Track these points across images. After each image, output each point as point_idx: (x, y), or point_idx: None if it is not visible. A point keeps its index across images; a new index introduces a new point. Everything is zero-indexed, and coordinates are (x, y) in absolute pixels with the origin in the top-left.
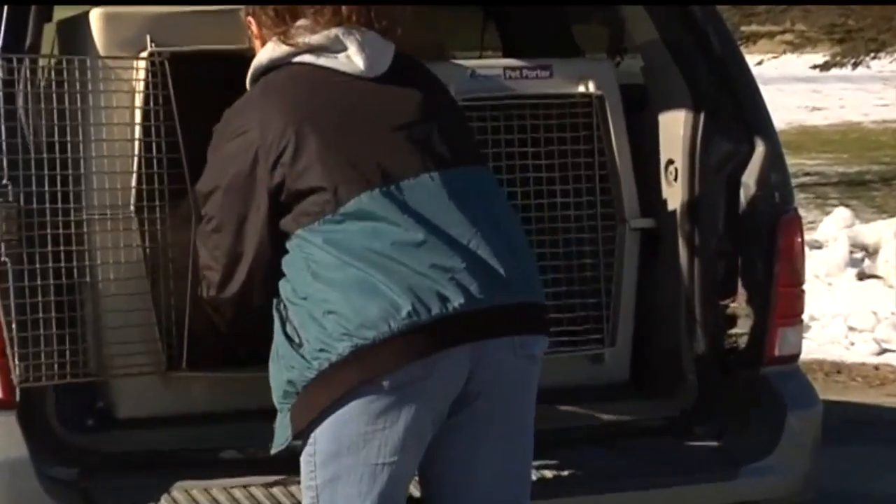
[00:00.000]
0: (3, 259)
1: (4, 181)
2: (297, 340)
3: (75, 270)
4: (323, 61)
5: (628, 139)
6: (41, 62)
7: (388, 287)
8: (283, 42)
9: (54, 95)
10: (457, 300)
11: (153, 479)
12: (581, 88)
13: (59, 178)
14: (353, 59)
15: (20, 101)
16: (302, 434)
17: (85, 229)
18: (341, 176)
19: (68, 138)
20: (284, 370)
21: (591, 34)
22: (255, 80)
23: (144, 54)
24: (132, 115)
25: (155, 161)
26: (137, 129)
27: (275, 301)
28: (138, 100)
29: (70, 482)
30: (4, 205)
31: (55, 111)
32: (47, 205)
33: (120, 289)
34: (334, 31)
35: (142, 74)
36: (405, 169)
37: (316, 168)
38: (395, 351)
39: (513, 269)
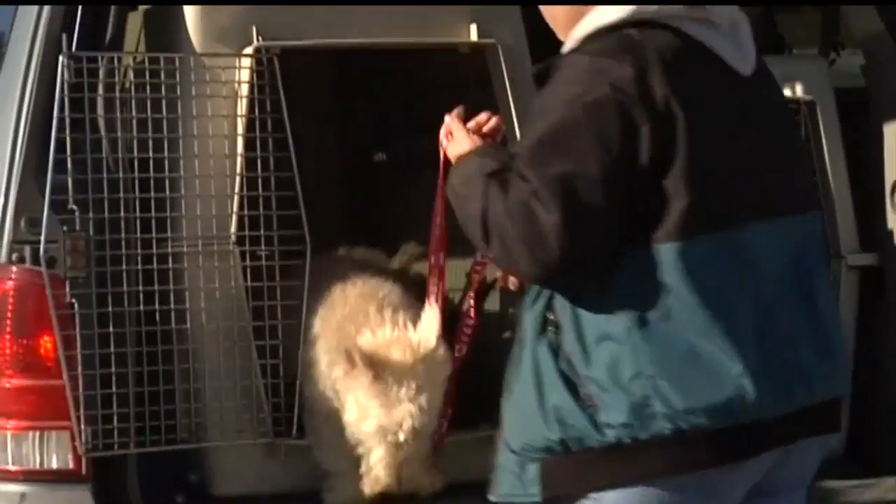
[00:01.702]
0: (69, 301)
1: (70, 206)
2: (584, 398)
3: (161, 315)
4: (705, 35)
5: (845, 155)
6: (123, 61)
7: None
8: None
9: (138, 101)
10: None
11: None
12: (787, 92)
13: (141, 202)
14: (721, 40)
15: (97, 109)
16: (559, 499)
17: (174, 265)
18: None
19: (155, 154)
20: (552, 425)
21: (799, 24)
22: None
23: (249, 50)
24: (234, 125)
25: (261, 181)
26: (240, 141)
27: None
28: (242, 106)
29: None
30: (70, 235)
31: (139, 120)
32: (124, 235)
33: (217, 338)
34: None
35: (246, 74)
36: (771, 206)
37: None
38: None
39: (833, 355)
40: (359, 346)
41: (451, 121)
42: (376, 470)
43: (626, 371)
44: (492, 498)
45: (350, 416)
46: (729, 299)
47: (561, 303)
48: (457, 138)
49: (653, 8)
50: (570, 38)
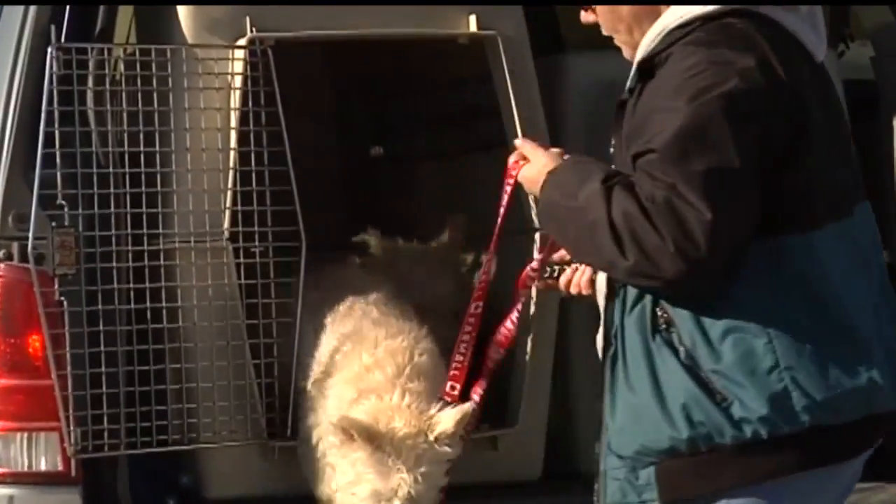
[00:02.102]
0: (58, 298)
1: (59, 201)
2: (716, 394)
3: (153, 313)
4: (790, 21)
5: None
6: (114, 53)
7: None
8: None
9: (128, 94)
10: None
11: None
12: None
13: (132, 197)
14: (799, 25)
15: (86, 102)
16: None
17: (165, 262)
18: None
19: (146, 148)
20: (680, 424)
21: None
22: (707, 20)
23: (243, 41)
24: (227, 118)
25: (255, 175)
26: (233, 135)
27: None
28: (235, 99)
29: None
30: (59, 231)
31: (129, 114)
32: (115, 231)
33: (210, 337)
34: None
35: (240, 66)
36: (860, 192)
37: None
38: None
39: None
40: (358, 422)
41: (521, 145)
42: None
43: (763, 363)
44: None
45: (344, 479)
46: (854, 287)
47: (671, 299)
48: (533, 158)
49: (753, 8)
50: (652, 32)
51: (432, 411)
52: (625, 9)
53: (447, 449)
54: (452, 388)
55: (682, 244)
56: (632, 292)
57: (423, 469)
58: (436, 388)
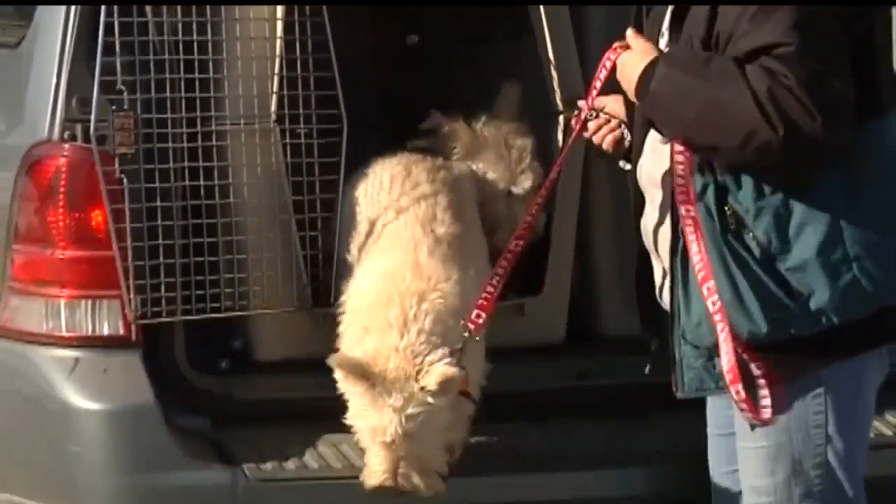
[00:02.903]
0: (118, 176)
1: (118, 86)
2: (793, 289)
3: (206, 190)
4: None
5: None
6: None
7: None
8: None
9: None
10: None
11: (296, 430)
12: None
13: (185, 82)
14: None
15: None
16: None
17: (217, 142)
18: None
19: (199, 37)
20: (757, 318)
21: None
22: None
23: None
24: (272, 18)
25: (299, 62)
26: (279, 24)
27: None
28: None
29: (202, 433)
30: (119, 114)
31: (183, 3)
32: (170, 114)
33: (259, 212)
34: None
35: None
36: None
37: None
38: None
39: None
40: (352, 362)
41: (628, 34)
42: (372, 465)
43: (835, 255)
44: (679, 395)
45: (350, 411)
46: None
47: (740, 194)
48: (635, 45)
49: None
50: None
51: (429, 358)
52: None
53: (430, 399)
54: (478, 316)
55: (831, 124)
56: (696, 185)
57: (410, 411)
58: (448, 329)
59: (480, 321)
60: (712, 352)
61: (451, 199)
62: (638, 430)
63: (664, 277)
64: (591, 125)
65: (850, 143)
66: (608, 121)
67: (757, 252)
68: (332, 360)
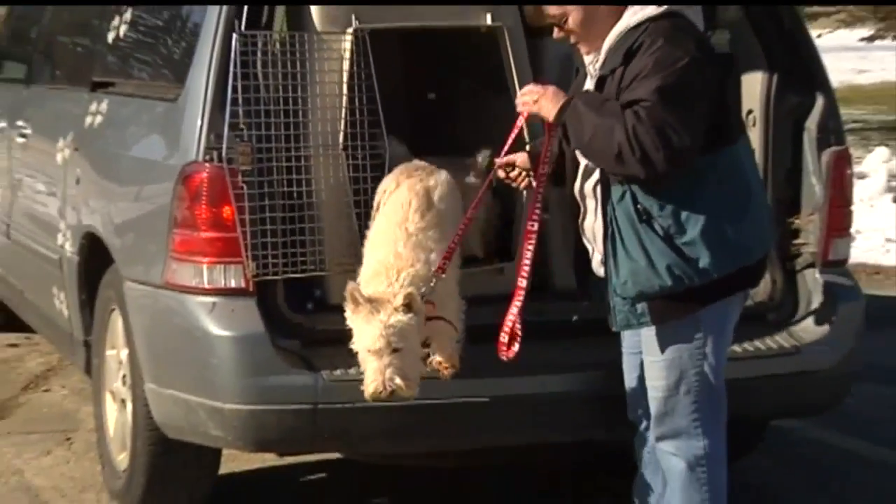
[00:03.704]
0: (240, 184)
1: (240, 126)
2: (687, 257)
3: (298, 194)
4: (694, 19)
5: None
6: (274, 37)
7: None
8: None
9: (282, 62)
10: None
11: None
12: None
13: (284, 124)
14: (697, 19)
15: (256, 66)
16: (664, 321)
17: (305, 163)
18: (737, 123)
19: (292, 94)
20: (665, 277)
21: None
22: (654, 19)
23: (350, 30)
24: (341, 77)
25: (358, 111)
26: (345, 87)
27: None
28: (345, 65)
29: (295, 350)
30: (241, 144)
31: (282, 74)
32: (274, 144)
33: (332, 207)
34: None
35: (348, 46)
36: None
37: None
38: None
39: (771, 223)
40: (360, 291)
41: (531, 88)
42: (367, 376)
43: (711, 234)
44: (613, 329)
45: (354, 339)
46: (754, 176)
47: (644, 197)
48: (544, 93)
49: (677, 9)
50: (614, 33)
51: (395, 288)
52: (600, 14)
53: (401, 315)
54: (443, 263)
55: (668, 155)
56: (616, 193)
57: (390, 321)
58: (419, 283)
59: (444, 266)
60: (634, 301)
61: (418, 203)
62: (576, 347)
63: (601, 257)
64: (501, 173)
65: (692, 166)
66: (519, 172)
67: (662, 234)
68: (346, 290)
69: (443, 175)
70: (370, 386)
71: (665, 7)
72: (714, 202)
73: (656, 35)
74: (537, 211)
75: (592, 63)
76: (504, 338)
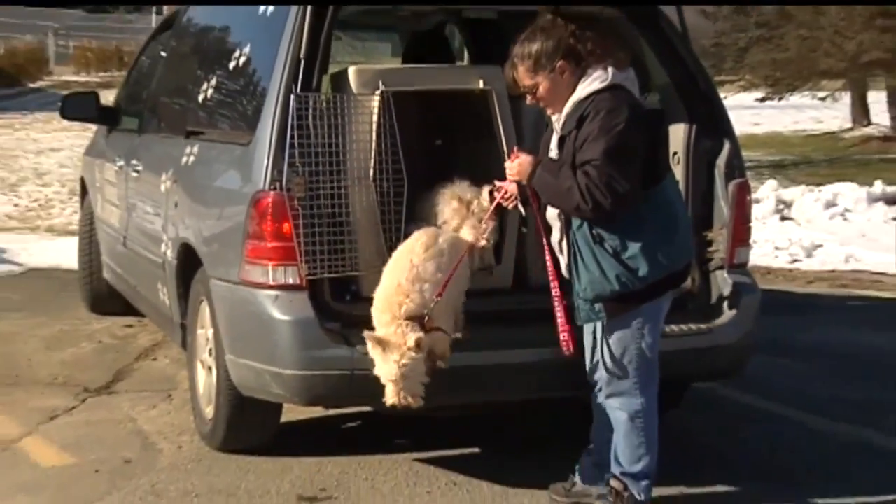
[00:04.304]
0: (296, 205)
1: (296, 164)
2: (629, 269)
3: (337, 213)
4: (632, 89)
5: None
6: (321, 98)
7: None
8: (616, 69)
9: (327, 116)
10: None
11: None
12: None
13: (330, 163)
14: (634, 88)
15: (308, 120)
16: (615, 316)
17: (345, 191)
18: (665, 165)
19: (335, 140)
20: (614, 284)
21: None
22: (601, 91)
23: (378, 93)
24: (370, 130)
25: (384, 152)
26: (374, 138)
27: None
28: (374, 118)
29: (336, 330)
30: (296, 177)
31: (327, 125)
32: (320, 178)
33: (364, 224)
34: (630, 70)
35: (376, 104)
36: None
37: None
38: (676, 278)
39: (691, 238)
40: (376, 336)
41: (513, 159)
42: (387, 393)
43: (647, 251)
44: (579, 322)
45: (375, 367)
46: (680, 205)
47: (597, 226)
48: (522, 161)
49: (619, 78)
50: (571, 101)
51: (409, 334)
52: (561, 89)
53: (412, 354)
54: (439, 294)
55: (614, 200)
56: (575, 223)
57: (403, 362)
58: (418, 312)
59: (442, 292)
60: (593, 302)
61: (426, 240)
62: (550, 328)
63: (566, 265)
64: (496, 195)
65: (635, 206)
66: (510, 196)
67: (611, 252)
68: (365, 335)
69: (450, 234)
70: (390, 399)
71: (607, 82)
72: (650, 226)
73: (600, 106)
74: (545, 243)
75: (557, 121)
76: (564, 339)
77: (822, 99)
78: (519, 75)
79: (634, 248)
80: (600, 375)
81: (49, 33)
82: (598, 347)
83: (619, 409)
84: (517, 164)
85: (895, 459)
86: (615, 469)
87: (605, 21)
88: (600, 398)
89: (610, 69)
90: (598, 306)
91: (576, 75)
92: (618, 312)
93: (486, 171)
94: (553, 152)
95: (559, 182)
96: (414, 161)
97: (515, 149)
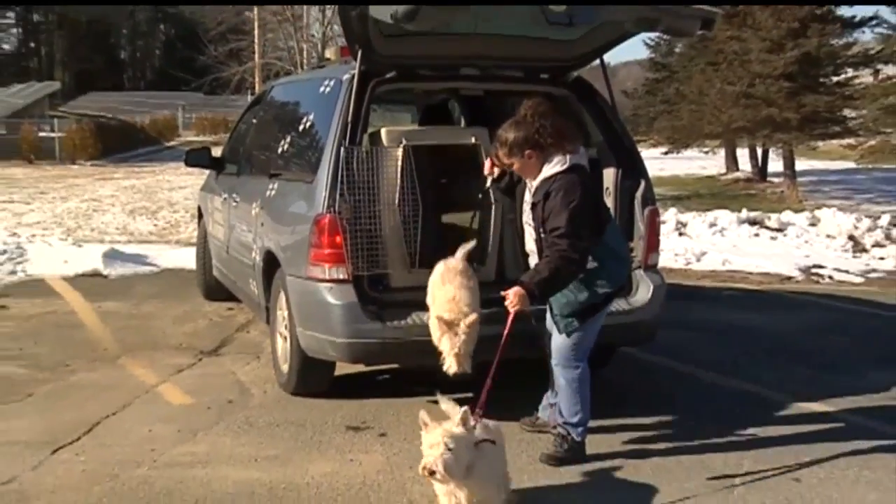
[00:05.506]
0: (345, 224)
1: (345, 194)
2: (596, 290)
3: (374, 229)
4: (581, 161)
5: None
6: (362, 149)
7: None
8: (570, 154)
9: (366, 161)
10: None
11: (408, 311)
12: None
13: (366, 193)
14: (584, 161)
15: (354, 166)
16: (584, 324)
17: (378, 213)
18: (607, 217)
19: (371, 178)
20: (583, 303)
21: None
22: (561, 173)
23: (401, 146)
24: (396, 172)
25: (407, 188)
26: (398, 177)
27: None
28: (399, 163)
29: (373, 311)
30: (345, 203)
31: (366, 168)
32: (364, 205)
33: (392, 236)
34: (580, 147)
35: (400, 154)
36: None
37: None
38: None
39: (627, 267)
40: (428, 420)
41: (506, 297)
42: (424, 456)
43: (610, 275)
44: (560, 333)
45: (424, 441)
46: (622, 243)
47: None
48: (518, 298)
49: (575, 159)
50: (539, 178)
51: (454, 419)
52: (532, 168)
53: (457, 430)
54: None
55: (581, 256)
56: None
57: (447, 439)
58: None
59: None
60: (567, 313)
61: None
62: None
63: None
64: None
65: (593, 250)
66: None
67: (581, 279)
68: (420, 417)
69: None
70: (426, 461)
71: (566, 165)
72: (607, 258)
73: (561, 185)
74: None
75: (530, 187)
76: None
77: (706, 153)
78: (499, 154)
79: (600, 275)
80: (554, 350)
81: (179, 108)
82: (556, 334)
83: (562, 377)
84: (516, 300)
85: (763, 402)
86: (559, 419)
87: (560, 100)
88: (553, 363)
89: (567, 155)
90: (571, 318)
91: (541, 159)
92: (585, 320)
93: (474, 199)
94: (526, 214)
95: (548, 276)
96: (426, 192)
97: (502, 293)
